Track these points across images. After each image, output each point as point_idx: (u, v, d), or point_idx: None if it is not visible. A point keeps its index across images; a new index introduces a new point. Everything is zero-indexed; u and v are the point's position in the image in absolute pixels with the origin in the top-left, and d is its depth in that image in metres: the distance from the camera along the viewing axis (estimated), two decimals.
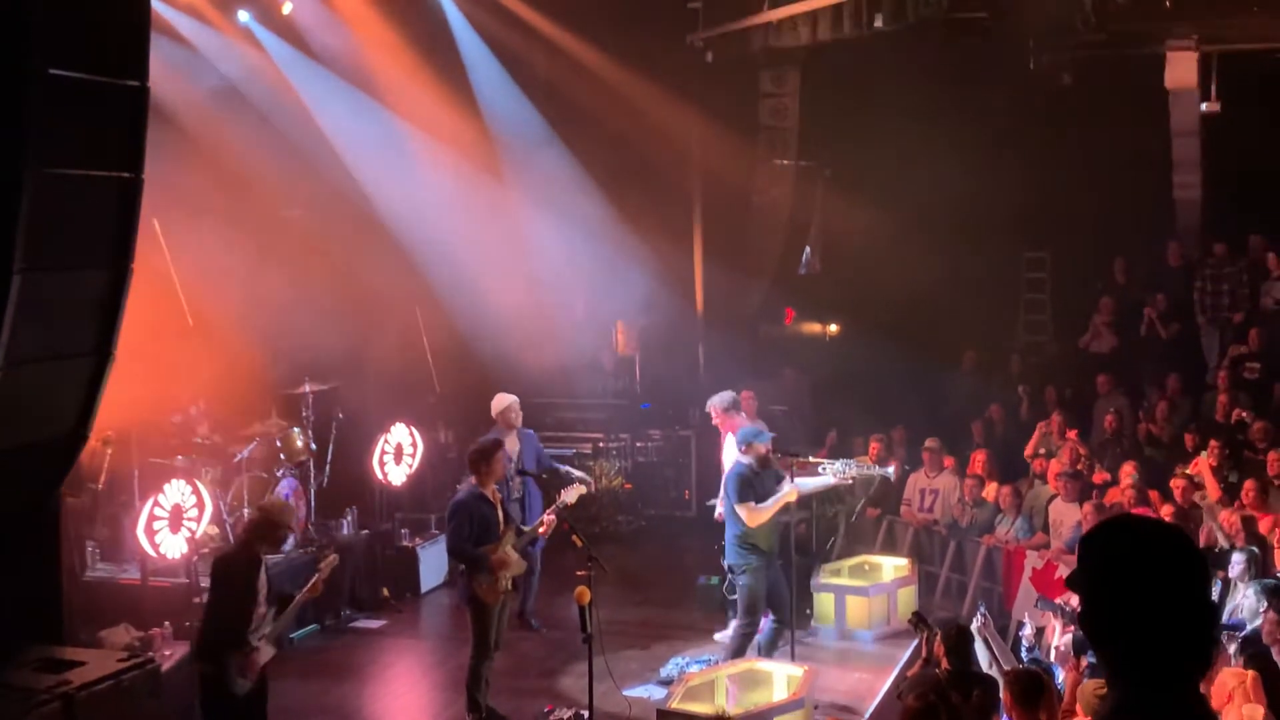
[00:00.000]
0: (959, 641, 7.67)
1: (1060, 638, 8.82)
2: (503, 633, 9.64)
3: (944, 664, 7.64)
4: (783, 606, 10.05)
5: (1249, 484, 10.91)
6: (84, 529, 10.69)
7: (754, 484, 9.85)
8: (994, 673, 7.80)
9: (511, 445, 11.20)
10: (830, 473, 10.37)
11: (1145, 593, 2.43)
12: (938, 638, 7.80)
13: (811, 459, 11.19)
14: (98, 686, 7.97)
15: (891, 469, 11.57)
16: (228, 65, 12.74)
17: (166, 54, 11.16)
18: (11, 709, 7.47)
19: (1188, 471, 11.44)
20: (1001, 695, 6.74)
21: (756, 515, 9.76)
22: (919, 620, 8.33)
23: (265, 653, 7.86)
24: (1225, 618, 9.19)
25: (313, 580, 8.27)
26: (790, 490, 9.85)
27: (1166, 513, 10.73)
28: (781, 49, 15.55)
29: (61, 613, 9.12)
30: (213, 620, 7.88)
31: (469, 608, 9.49)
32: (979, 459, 13.02)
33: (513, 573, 9.51)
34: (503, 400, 11.57)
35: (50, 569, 9.01)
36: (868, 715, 9.68)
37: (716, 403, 11.48)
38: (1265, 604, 8.80)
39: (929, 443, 13.19)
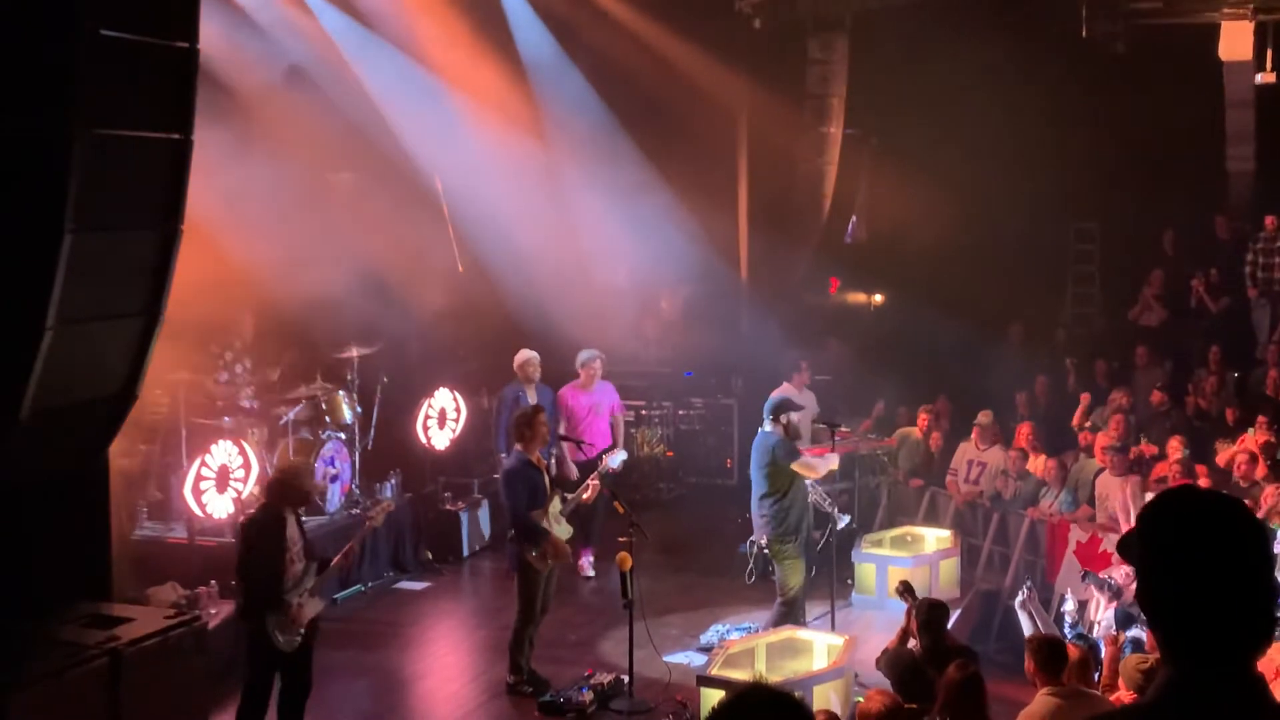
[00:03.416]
0: (931, 617, 7.63)
1: (1104, 612, 8.77)
2: (550, 598, 9.71)
3: (916, 640, 7.60)
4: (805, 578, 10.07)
5: None
6: (134, 490, 10.80)
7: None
8: None
9: (532, 398, 11.90)
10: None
11: (1206, 566, 2.36)
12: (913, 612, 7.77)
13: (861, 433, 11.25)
14: (145, 643, 8.05)
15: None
16: (274, 28, 12.74)
17: (213, 17, 11.18)
18: (60, 663, 7.58)
19: (1239, 448, 11.32)
20: (1025, 663, 6.72)
21: (808, 469, 9.76)
22: (906, 589, 8.30)
23: (311, 607, 7.99)
24: None
25: (348, 545, 8.45)
26: (833, 459, 9.90)
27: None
28: (829, 15, 15.41)
29: (110, 570, 9.21)
30: (247, 581, 8.05)
31: (518, 573, 9.61)
32: (1023, 431, 12.92)
33: (562, 539, 9.59)
34: (523, 355, 12.22)
35: (99, 527, 9.10)
36: None
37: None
38: None
39: (982, 416, 13.03)
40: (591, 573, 12.13)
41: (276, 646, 7.81)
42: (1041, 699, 6.47)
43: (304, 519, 11.02)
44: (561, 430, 11.74)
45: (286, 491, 8.08)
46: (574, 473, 11.71)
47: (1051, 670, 6.52)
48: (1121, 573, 9.02)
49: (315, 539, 8.76)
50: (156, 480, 11.03)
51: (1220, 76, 15.10)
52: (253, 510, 8.52)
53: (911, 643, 7.73)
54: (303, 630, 7.95)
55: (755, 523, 9.97)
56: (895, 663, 7.61)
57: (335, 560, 8.24)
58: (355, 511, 11.87)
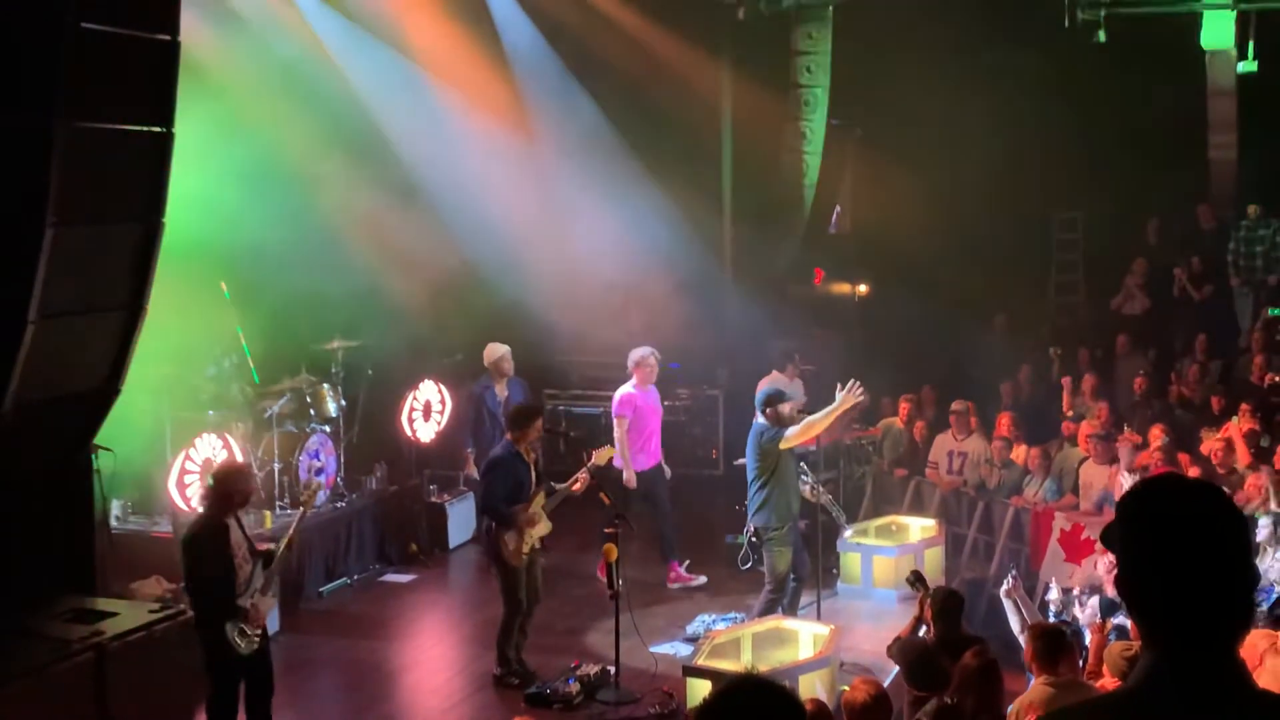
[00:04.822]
0: (946, 605, 7.63)
1: (1089, 599, 8.80)
2: (536, 589, 9.70)
3: (931, 629, 7.61)
4: (803, 566, 10.08)
5: None
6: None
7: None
8: (1023, 636, 7.77)
9: (501, 393, 12.05)
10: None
11: (1186, 553, 2.37)
12: (928, 600, 7.78)
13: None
14: (130, 637, 8.05)
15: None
16: (257, 19, 12.70)
17: (194, 6, 11.15)
18: (45, 658, 7.57)
19: (1219, 436, 11.36)
20: (1024, 648, 6.73)
21: (799, 435, 9.82)
22: (917, 579, 8.32)
23: (265, 605, 7.88)
24: None
25: (289, 533, 8.27)
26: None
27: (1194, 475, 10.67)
28: (814, 5, 15.41)
29: (94, 564, 9.21)
30: (197, 595, 7.87)
31: (496, 566, 9.61)
32: (1004, 421, 12.96)
33: (540, 533, 9.57)
34: (495, 350, 12.23)
35: (83, 521, 9.09)
36: (892, 674, 9.69)
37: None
38: None
39: (955, 405, 13.09)
40: (702, 578, 11.83)
41: (238, 653, 7.66)
42: (1037, 687, 6.47)
43: (289, 513, 11.11)
44: (618, 435, 11.62)
45: (226, 499, 7.80)
46: (634, 482, 11.64)
47: (1049, 659, 6.52)
48: (1106, 560, 9.06)
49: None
50: (134, 481, 10.94)
51: (1202, 65, 15.15)
52: (193, 523, 8.16)
53: (924, 631, 7.74)
54: (259, 631, 7.80)
55: (748, 510, 10.06)
56: (907, 651, 7.60)
57: (279, 552, 8.08)
58: (340, 504, 11.90)
